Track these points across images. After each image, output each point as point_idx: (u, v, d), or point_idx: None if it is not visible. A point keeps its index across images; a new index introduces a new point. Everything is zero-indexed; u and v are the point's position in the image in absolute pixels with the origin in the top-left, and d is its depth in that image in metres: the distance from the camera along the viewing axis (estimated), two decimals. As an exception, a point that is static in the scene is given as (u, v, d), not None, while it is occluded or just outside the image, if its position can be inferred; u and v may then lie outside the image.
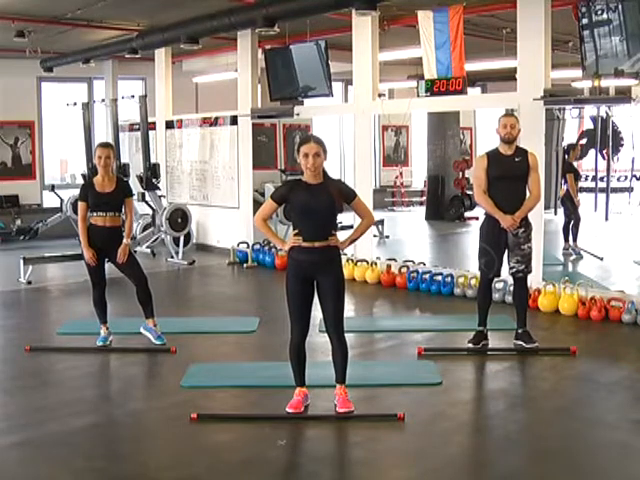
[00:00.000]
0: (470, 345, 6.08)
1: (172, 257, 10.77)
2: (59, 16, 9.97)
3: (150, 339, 6.26)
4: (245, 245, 10.54)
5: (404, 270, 8.64)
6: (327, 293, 4.65)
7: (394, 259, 9.16)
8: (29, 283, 8.98)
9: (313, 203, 4.55)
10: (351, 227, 9.07)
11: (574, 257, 9.93)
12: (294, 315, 4.72)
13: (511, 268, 6.03)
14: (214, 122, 11.53)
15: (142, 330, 6.32)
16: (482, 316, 6.13)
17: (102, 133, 13.72)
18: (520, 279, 6.08)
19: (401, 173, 16.87)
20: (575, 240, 10.00)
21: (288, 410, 4.68)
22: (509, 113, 6.48)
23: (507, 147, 5.91)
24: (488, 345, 6.11)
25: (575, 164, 10.53)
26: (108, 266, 6.27)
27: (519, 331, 6.09)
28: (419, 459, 4.18)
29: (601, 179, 13.69)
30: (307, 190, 4.59)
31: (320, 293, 4.68)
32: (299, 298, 4.67)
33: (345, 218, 10.70)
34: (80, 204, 6.15)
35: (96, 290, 6.23)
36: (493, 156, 5.95)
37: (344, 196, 4.66)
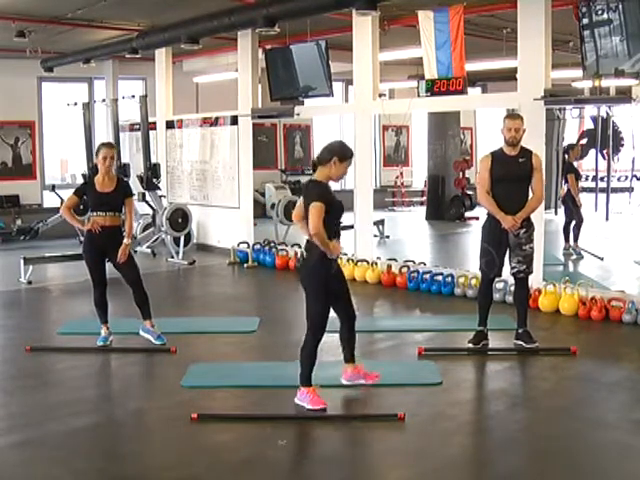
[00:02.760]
0: (470, 345, 6.08)
1: (172, 257, 10.77)
2: (59, 16, 9.97)
3: (150, 340, 6.26)
4: (245, 245, 10.55)
5: (404, 270, 8.63)
6: (345, 292, 5.01)
7: (394, 259, 9.15)
8: (29, 283, 8.98)
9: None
10: (351, 227, 9.13)
11: (575, 257, 9.93)
12: (324, 316, 4.81)
13: (512, 268, 6.03)
14: (214, 122, 11.52)
15: (141, 333, 6.32)
16: (482, 316, 6.13)
17: (102, 133, 13.72)
18: (521, 279, 6.08)
19: (401, 173, 16.88)
20: (576, 240, 9.98)
21: (318, 407, 4.68)
22: (514, 114, 6.25)
23: (511, 148, 5.91)
24: (488, 345, 6.10)
25: (575, 164, 10.50)
26: (109, 266, 6.27)
27: (519, 331, 6.09)
28: (419, 459, 4.18)
29: (601, 179, 13.68)
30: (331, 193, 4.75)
31: (338, 293, 4.92)
32: (329, 299, 4.83)
33: (345, 218, 10.66)
34: (71, 196, 6.19)
35: (97, 290, 6.23)
36: (497, 156, 5.95)
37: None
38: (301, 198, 4.87)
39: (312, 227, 4.57)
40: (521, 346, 6.03)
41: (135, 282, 6.27)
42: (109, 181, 6.13)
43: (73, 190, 6.26)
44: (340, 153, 4.65)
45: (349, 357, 5.16)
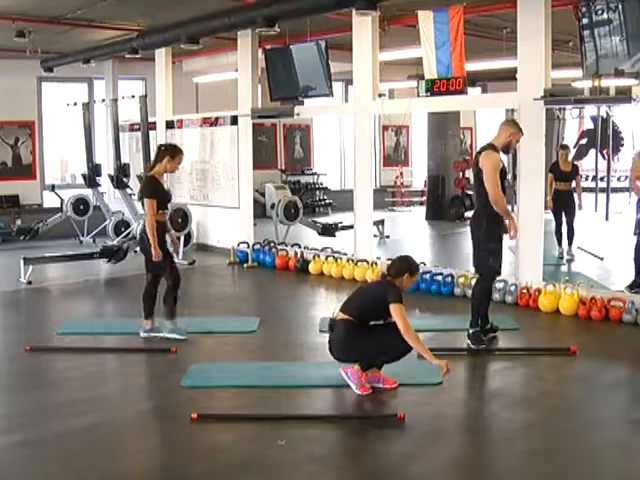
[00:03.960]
0: (471, 344, 6.09)
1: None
2: (59, 16, 9.96)
3: (179, 335, 6.41)
4: (245, 245, 10.55)
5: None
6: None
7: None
8: (29, 283, 8.98)
9: None
10: (351, 227, 9.12)
11: (563, 257, 9.86)
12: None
13: None
14: (214, 122, 11.52)
15: (167, 334, 6.45)
16: (483, 316, 6.16)
17: (102, 133, 13.73)
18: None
19: (401, 173, 16.89)
20: (560, 244, 9.89)
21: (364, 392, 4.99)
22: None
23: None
24: (486, 345, 6.12)
25: (570, 164, 10.34)
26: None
27: (486, 328, 6.24)
28: (419, 459, 4.18)
29: (601, 179, 13.69)
30: None
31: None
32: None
33: (345, 218, 10.66)
34: (152, 201, 6.25)
35: (152, 283, 6.45)
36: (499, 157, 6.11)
37: None
38: (365, 287, 5.52)
39: (404, 329, 4.99)
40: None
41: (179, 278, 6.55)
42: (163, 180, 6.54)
43: (147, 193, 6.29)
44: (411, 269, 5.20)
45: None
